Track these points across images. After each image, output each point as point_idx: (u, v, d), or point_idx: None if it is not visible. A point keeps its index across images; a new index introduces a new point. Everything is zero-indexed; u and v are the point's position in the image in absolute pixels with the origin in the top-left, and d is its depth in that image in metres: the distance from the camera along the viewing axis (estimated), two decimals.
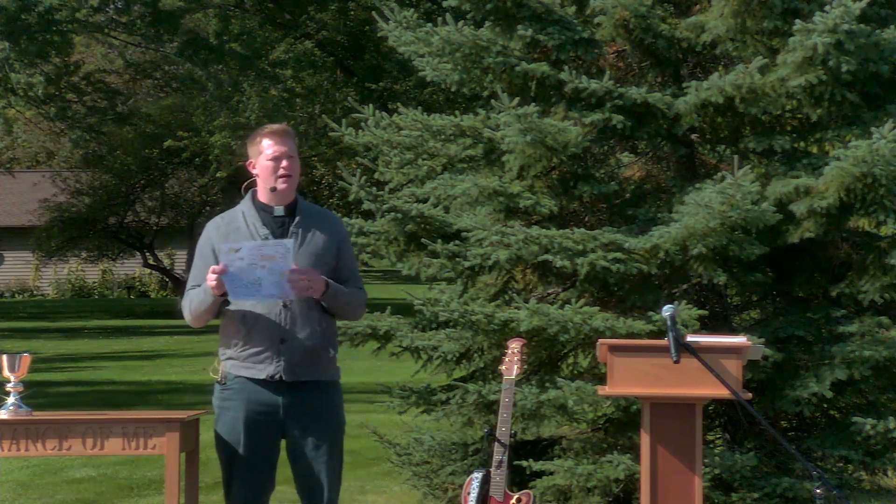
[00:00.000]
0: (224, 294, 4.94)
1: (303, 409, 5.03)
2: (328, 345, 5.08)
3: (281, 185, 5.04)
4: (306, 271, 4.90)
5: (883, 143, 6.62)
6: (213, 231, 5.12)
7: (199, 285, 5.05)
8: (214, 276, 4.92)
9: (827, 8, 6.80)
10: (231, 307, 5.03)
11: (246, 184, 5.25)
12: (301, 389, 5.02)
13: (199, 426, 6.15)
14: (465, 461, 7.72)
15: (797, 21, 6.88)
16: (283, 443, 5.11)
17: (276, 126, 5.13)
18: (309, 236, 5.06)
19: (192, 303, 5.05)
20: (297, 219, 5.07)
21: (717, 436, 7.59)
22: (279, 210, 5.06)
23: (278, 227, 5.05)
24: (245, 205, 5.13)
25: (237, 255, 4.93)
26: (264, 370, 5.00)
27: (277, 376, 5.00)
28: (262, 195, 5.09)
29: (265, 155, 5.05)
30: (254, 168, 5.11)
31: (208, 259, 5.05)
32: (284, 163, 5.03)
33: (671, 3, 7.78)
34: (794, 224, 7.11)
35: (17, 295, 40.42)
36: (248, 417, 5.03)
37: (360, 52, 29.64)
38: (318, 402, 5.05)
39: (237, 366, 5.05)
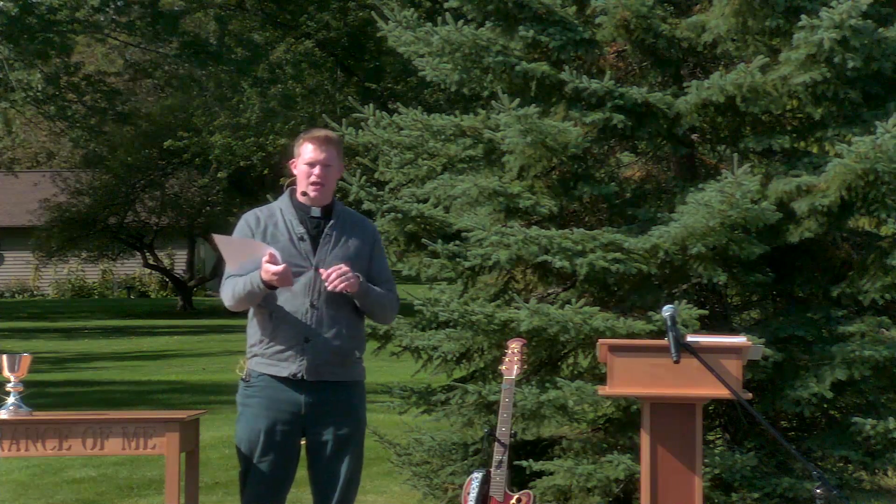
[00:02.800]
0: (273, 289, 4.97)
1: (325, 408, 5.05)
2: (354, 346, 5.13)
3: (312, 192, 5.10)
4: (339, 267, 4.96)
5: (887, 137, 6.62)
6: (253, 221, 5.17)
7: (236, 273, 5.08)
8: (275, 269, 4.91)
9: (833, 3, 6.79)
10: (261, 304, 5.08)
11: (289, 181, 5.30)
12: (324, 389, 5.05)
13: (199, 426, 6.15)
14: (465, 461, 7.72)
15: (802, 17, 6.88)
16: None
17: (320, 132, 5.17)
18: (343, 239, 5.12)
19: (236, 289, 5.06)
20: (332, 221, 5.12)
21: (717, 436, 7.59)
22: (315, 211, 5.12)
23: (314, 227, 5.11)
24: (283, 202, 5.19)
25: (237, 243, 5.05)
26: (287, 368, 5.03)
27: (300, 375, 5.02)
28: (300, 195, 5.15)
29: (303, 159, 5.11)
30: (294, 168, 5.16)
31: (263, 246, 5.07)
32: (318, 170, 5.08)
33: (672, 3, 7.78)
34: (794, 223, 7.11)
35: (17, 295, 40.42)
36: (270, 415, 5.07)
37: (360, 52, 29.64)
38: (340, 403, 5.08)
39: (262, 363, 5.10)
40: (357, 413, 5.15)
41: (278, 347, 5.06)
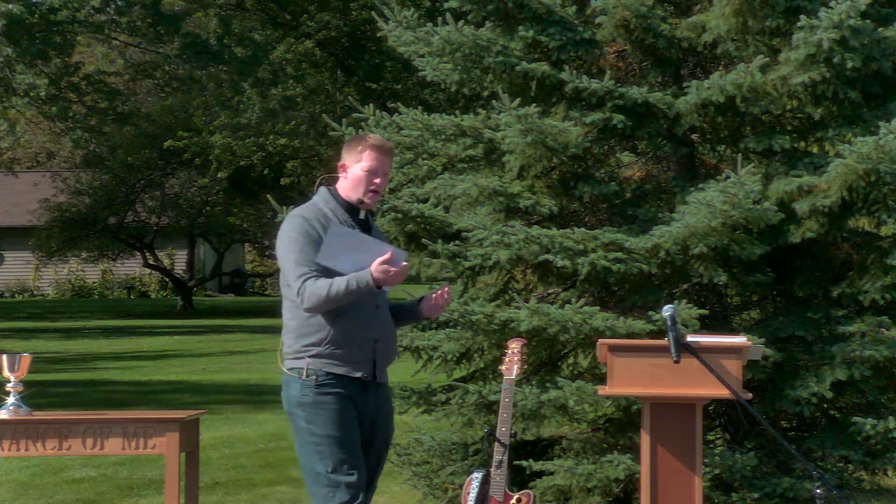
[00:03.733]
0: (380, 287, 4.97)
1: (380, 408, 5.12)
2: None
3: (368, 199, 5.09)
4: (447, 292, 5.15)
5: (890, 137, 6.62)
6: (313, 220, 5.04)
7: (314, 271, 4.92)
8: (399, 268, 4.89)
9: (832, 3, 6.79)
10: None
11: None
12: (380, 389, 5.11)
13: (199, 426, 6.16)
14: (466, 461, 7.72)
15: (801, 17, 6.88)
16: None
17: (381, 141, 5.15)
18: (381, 241, 5.19)
19: (333, 289, 4.88)
20: (372, 228, 5.19)
21: (717, 436, 7.59)
22: (363, 214, 5.13)
23: (362, 229, 5.11)
24: (328, 202, 5.10)
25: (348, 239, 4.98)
26: (359, 370, 5.00)
27: (368, 376, 5.02)
28: (351, 198, 5.10)
29: (362, 165, 5.07)
30: (344, 171, 5.12)
31: (319, 245, 4.97)
32: (378, 179, 5.08)
33: (672, 3, 7.78)
34: (795, 223, 7.11)
35: (17, 295, 40.41)
36: (347, 409, 4.99)
37: (360, 52, 29.64)
38: (387, 404, 5.20)
39: (331, 363, 4.99)
40: (393, 414, 5.32)
41: (351, 348, 4.99)
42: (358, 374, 4.98)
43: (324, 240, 4.93)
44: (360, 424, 5.02)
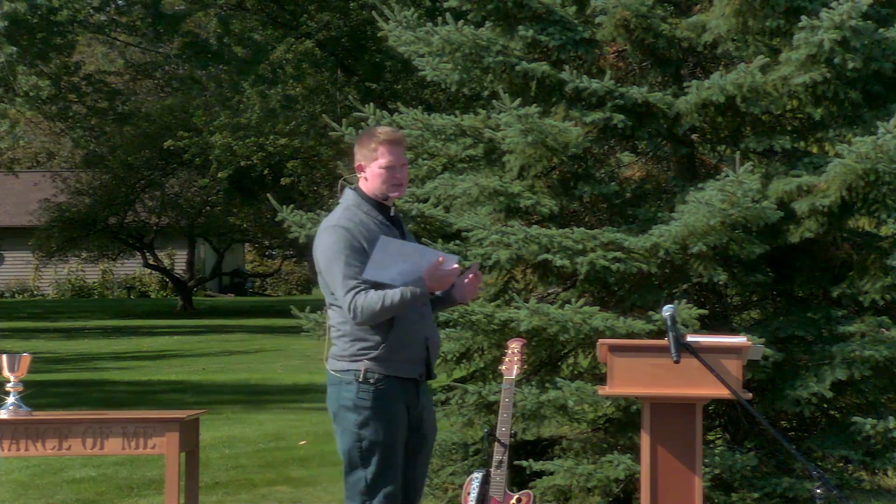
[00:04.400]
0: (433, 293, 5.03)
1: (427, 405, 5.11)
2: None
3: (393, 194, 5.08)
4: (476, 276, 5.10)
5: (888, 137, 6.62)
6: (353, 229, 4.98)
7: (362, 283, 4.89)
8: (442, 274, 4.91)
9: (833, 4, 6.80)
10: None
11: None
12: (425, 387, 5.10)
13: (199, 426, 6.16)
14: (466, 461, 7.72)
15: (802, 17, 6.88)
16: None
17: (391, 134, 5.13)
18: (410, 238, 5.21)
19: (386, 302, 4.85)
20: (399, 221, 5.17)
21: (717, 436, 7.59)
22: (392, 211, 5.14)
23: (393, 229, 5.09)
24: (360, 205, 5.06)
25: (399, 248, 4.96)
26: (415, 370, 5.00)
27: (423, 375, 5.03)
28: (377, 196, 5.08)
29: (378, 163, 5.06)
30: (362, 171, 5.10)
31: (364, 255, 4.94)
32: (399, 172, 5.08)
33: (672, 2, 7.78)
34: (794, 223, 7.11)
35: (17, 295, 40.43)
36: (403, 417, 4.98)
37: (360, 52, 29.64)
38: (431, 399, 5.22)
39: (389, 366, 4.96)
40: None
41: (405, 350, 4.98)
42: (415, 375, 5.00)
43: (371, 254, 4.89)
44: (408, 424, 5.01)
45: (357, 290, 4.88)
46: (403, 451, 4.99)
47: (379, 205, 5.07)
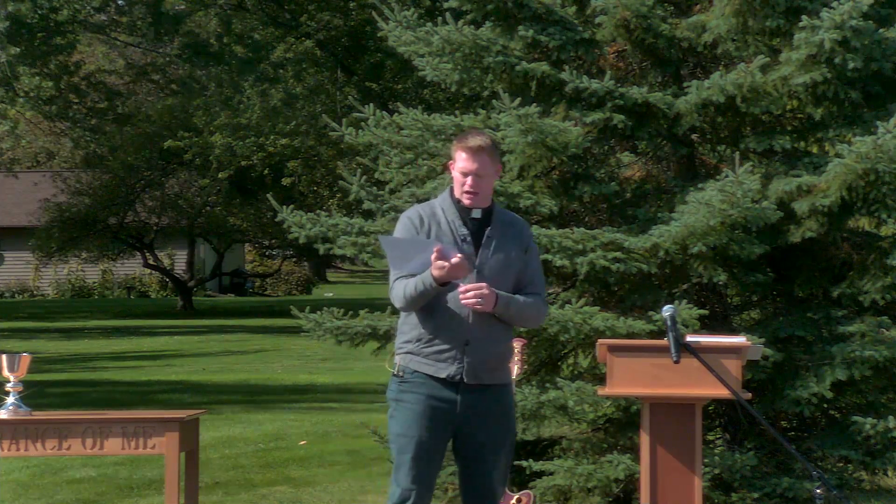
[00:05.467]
0: (444, 284, 4.94)
1: (479, 410, 5.01)
2: (510, 350, 5.16)
3: (466, 201, 5.08)
4: (477, 287, 4.93)
5: (888, 137, 6.62)
6: (416, 220, 5.09)
7: (406, 273, 5.02)
8: (448, 262, 4.87)
9: (833, 4, 6.79)
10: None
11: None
12: (479, 391, 5.02)
13: (199, 426, 6.16)
14: None
15: (803, 17, 6.88)
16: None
17: (473, 141, 5.10)
18: (502, 242, 5.09)
19: (407, 290, 4.98)
20: (491, 225, 5.11)
21: (717, 436, 7.59)
22: (477, 213, 5.10)
23: (477, 229, 5.08)
24: (444, 201, 5.14)
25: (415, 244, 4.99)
26: (446, 369, 4.99)
27: (458, 377, 4.99)
28: (458, 196, 5.12)
29: (457, 167, 5.10)
30: (452, 171, 5.16)
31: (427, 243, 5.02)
32: (470, 180, 5.05)
33: (672, 3, 7.78)
34: (794, 223, 7.11)
35: (17, 295, 40.42)
36: (425, 410, 4.99)
37: (360, 52, 29.65)
38: (493, 405, 5.04)
39: (418, 361, 5.02)
40: (510, 416, 5.13)
41: (439, 347, 4.99)
42: (444, 375, 4.98)
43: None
44: (447, 427, 4.99)
45: (398, 276, 5.03)
46: (437, 450, 5.00)
47: (460, 205, 5.10)
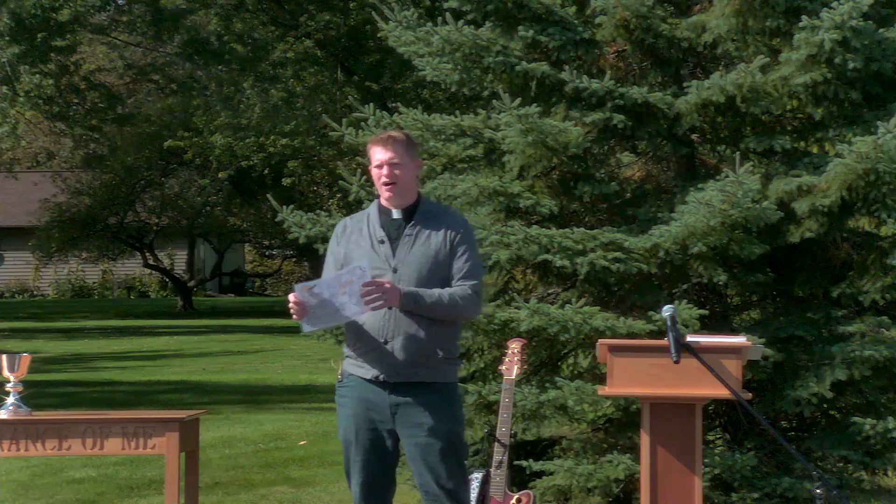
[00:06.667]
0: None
1: (409, 409, 5.01)
2: (436, 346, 5.03)
3: (385, 193, 5.08)
4: (377, 283, 4.91)
5: (888, 137, 6.62)
6: (340, 230, 5.20)
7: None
8: (294, 306, 4.96)
9: (833, 4, 6.80)
10: None
11: None
12: (408, 390, 5.02)
13: (199, 426, 6.16)
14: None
15: (803, 17, 6.88)
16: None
17: (383, 134, 5.16)
18: (423, 238, 5.07)
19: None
20: (412, 221, 5.10)
21: (717, 436, 7.59)
22: (396, 213, 5.11)
23: (395, 228, 5.09)
24: (373, 207, 5.19)
25: (314, 290, 4.96)
26: (370, 370, 5.04)
27: (381, 377, 5.02)
28: (382, 199, 5.14)
29: (372, 162, 5.11)
30: (371, 173, 5.19)
31: (337, 258, 5.14)
32: (385, 169, 5.05)
33: (672, 3, 7.78)
34: (795, 223, 7.11)
35: (17, 295, 40.42)
36: (359, 414, 5.05)
37: (360, 52, 29.65)
38: (426, 403, 5.01)
39: (352, 364, 5.11)
40: (447, 413, 5.05)
41: (362, 349, 5.06)
42: (370, 376, 5.02)
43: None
44: (383, 427, 5.02)
45: None
46: (380, 450, 5.03)
47: (385, 209, 5.12)
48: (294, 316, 5.00)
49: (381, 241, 5.06)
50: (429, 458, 5.00)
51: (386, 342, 5.00)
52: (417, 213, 5.11)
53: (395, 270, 4.99)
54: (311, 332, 5.15)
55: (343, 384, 5.13)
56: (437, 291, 4.98)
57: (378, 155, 5.07)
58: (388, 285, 4.90)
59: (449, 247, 5.05)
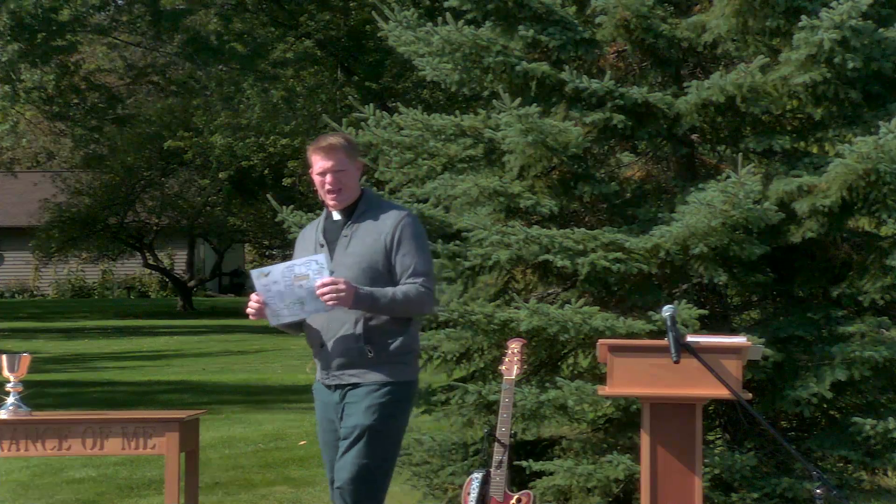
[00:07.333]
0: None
1: (347, 409, 5.05)
2: (365, 346, 5.02)
3: (330, 200, 5.12)
4: (332, 281, 4.91)
5: (889, 137, 6.62)
6: (298, 241, 5.34)
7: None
8: (255, 304, 5.03)
9: (833, 4, 6.80)
10: None
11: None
12: (349, 391, 5.07)
13: (199, 426, 6.16)
14: (465, 461, 7.72)
15: (802, 17, 6.88)
16: None
17: (323, 141, 5.14)
18: (358, 237, 5.08)
19: None
20: (350, 222, 5.12)
21: (717, 436, 7.59)
22: (336, 215, 5.15)
23: (335, 231, 5.13)
24: (323, 213, 5.26)
25: (269, 279, 4.99)
26: (319, 372, 5.17)
27: (322, 379, 5.14)
28: (323, 199, 5.19)
29: (315, 171, 5.13)
30: (313, 177, 5.21)
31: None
32: (329, 178, 5.07)
33: (672, 3, 7.77)
34: (795, 224, 7.11)
35: (17, 295, 40.42)
36: (319, 413, 5.21)
37: (360, 52, 29.65)
38: (361, 402, 5.02)
39: (314, 367, 5.25)
40: (378, 411, 5.00)
41: (313, 352, 5.18)
42: (320, 378, 5.16)
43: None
44: (336, 427, 5.10)
45: None
46: (336, 449, 5.09)
47: (329, 212, 5.20)
48: (250, 313, 5.05)
49: (322, 245, 5.12)
50: (344, 458, 5.00)
51: (322, 345, 5.07)
52: (356, 211, 5.12)
53: (332, 272, 4.99)
54: (278, 326, 5.15)
55: (314, 388, 5.24)
56: (390, 290, 4.98)
57: (320, 163, 5.09)
58: (342, 285, 4.89)
59: (387, 244, 5.04)
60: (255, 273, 5.03)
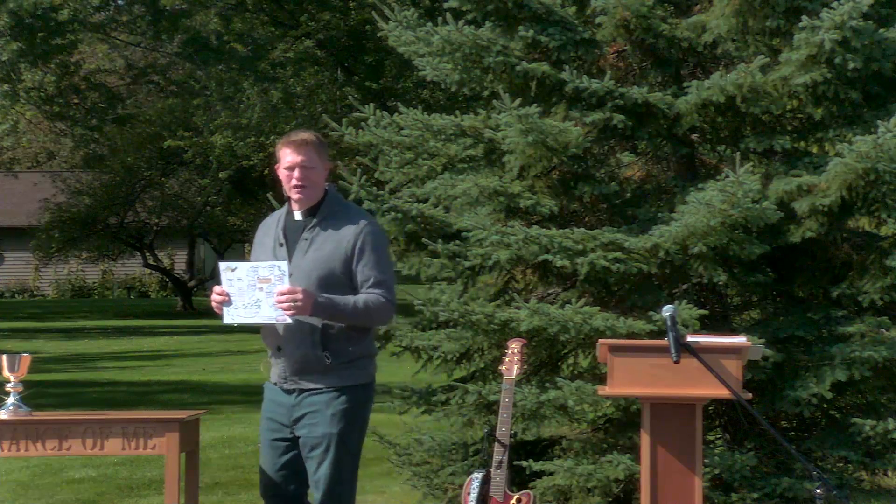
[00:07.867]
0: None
1: (303, 413, 5.05)
2: (324, 351, 5.00)
3: (295, 195, 5.09)
4: (292, 290, 4.90)
5: (888, 136, 6.62)
6: (259, 229, 5.30)
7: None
8: (217, 297, 5.04)
9: (833, 4, 6.80)
10: None
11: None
12: (305, 395, 5.06)
13: (199, 426, 6.15)
14: (466, 461, 7.72)
15: (803, 17, 6.88)
16: None
17: (295, 136, 5.13)
18: (318, 242, 5.04)
19: None
20: (312, 223, 5.08)
21: (717, 436, 7.59)
22: (298, 214, 5.11)
23: (295, 231, 5.09)
24: (284, 208, 5.22)
25: (234, 274, 4.99)
26: (275, 375, 5.16)
27: (278, 383, 5.13)
28: (288, 194, 5.16)
29: (282, 164, 5.11)
30: (279, 173, 5.18)
31: (258, 255, 5.19)
32: (297, 172, 5.05)
33: (672, 3, 7.77)
34: (795, 223, 7.11)
35: (17, 295, 40.41)
36: (267, 413, 5.19)
37: (360, 52, 29.64)
38: (317, 408, 5.03)
39: (268, 367, 5.24)
40: (341, 418, 5.01)
41: (270, 353, 5.17)
42: (274, 380, 5.15)
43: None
44: (285, 429, 5.10)
45: None
46: (282, 450, 5.11)
47: (290, 208, 5.17)
48: (214, 305, 5.06)
49: (281, 245, 5.09)
50: (313, 463, 5.03)
51: (279, 348, 5.07)
52: (318, 214, 5.09)
53: (290, 275, 4.97)
54: (232, 324, 5.12)
55: (265, 386, 5.23)
56: (350, 299, 4.96)
57: (289, 157, 5.07)
58: (300, 294, 4.88)
59: (348, 253, 5.01)
60: (223, 266, 5.02)
